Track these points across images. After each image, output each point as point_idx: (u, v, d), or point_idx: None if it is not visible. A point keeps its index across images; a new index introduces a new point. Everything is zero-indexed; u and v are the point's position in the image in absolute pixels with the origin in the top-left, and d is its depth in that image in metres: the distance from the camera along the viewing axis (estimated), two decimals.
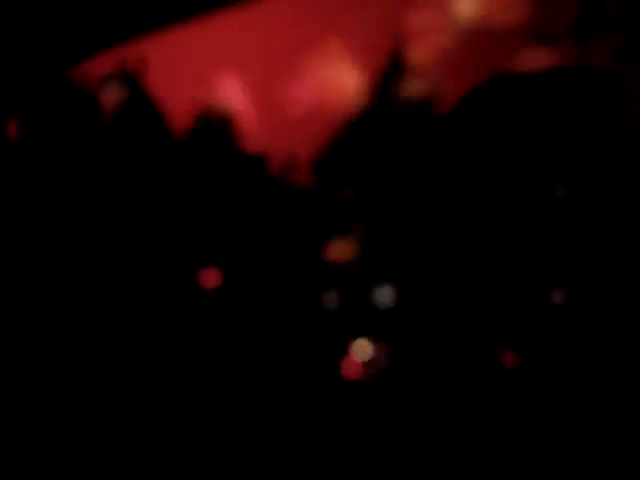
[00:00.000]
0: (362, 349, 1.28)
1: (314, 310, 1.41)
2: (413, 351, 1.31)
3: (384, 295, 1.30)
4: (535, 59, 1.64)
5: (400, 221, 1.43)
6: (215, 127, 1.59)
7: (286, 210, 1.46)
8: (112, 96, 1.54)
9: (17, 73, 1.75)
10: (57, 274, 1.45)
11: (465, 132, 1.42)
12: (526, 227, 1.34)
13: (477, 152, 1.41)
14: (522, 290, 1.28)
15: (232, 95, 1.82)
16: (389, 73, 1.59)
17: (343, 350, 1.34)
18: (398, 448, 1.25)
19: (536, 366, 1.23)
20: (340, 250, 1.46)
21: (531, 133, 1.38)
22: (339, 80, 1.74)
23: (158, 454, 1.33)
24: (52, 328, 1.40)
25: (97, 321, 1.39)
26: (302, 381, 1.38)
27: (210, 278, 1.39)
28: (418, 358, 1.30)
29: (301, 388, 1.37)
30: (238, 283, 1.41)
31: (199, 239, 1.46)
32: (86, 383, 1.39)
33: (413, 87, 1.57)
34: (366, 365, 1.29)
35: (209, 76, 1.81)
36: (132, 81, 1.55)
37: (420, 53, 1.57)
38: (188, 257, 1.44)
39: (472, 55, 1.71)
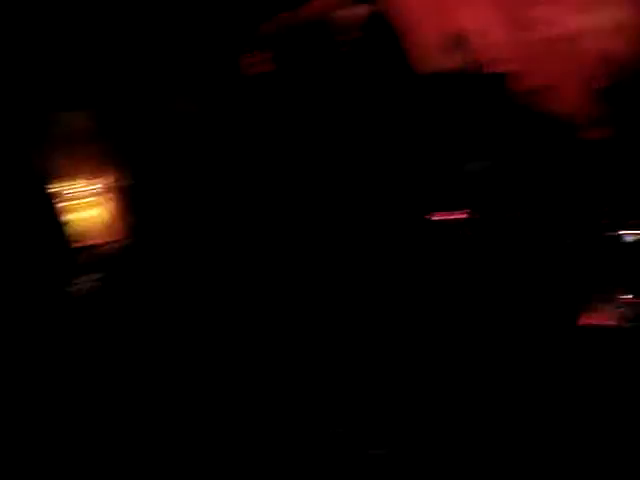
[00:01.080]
0: None
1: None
2: None
3: None
4: None
5: None
6: (462, 50, 1.57)
7: (534, 140, 1.39)
8: (351, 23, 1.51)
9: (252, 12, 1.68)
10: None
11: None
12: None
13: None
14: None
15: (482, 18, 1.72)
16: None
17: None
18: None
19: None
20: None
21: None
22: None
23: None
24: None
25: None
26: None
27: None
28: None
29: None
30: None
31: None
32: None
33: None
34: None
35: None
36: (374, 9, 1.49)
37: None
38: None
39: None
